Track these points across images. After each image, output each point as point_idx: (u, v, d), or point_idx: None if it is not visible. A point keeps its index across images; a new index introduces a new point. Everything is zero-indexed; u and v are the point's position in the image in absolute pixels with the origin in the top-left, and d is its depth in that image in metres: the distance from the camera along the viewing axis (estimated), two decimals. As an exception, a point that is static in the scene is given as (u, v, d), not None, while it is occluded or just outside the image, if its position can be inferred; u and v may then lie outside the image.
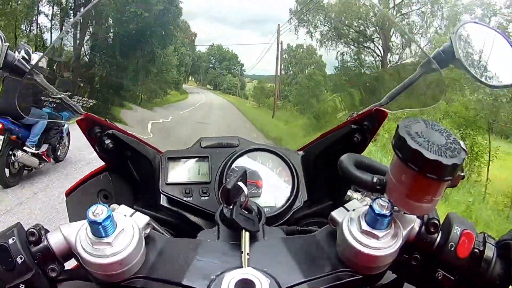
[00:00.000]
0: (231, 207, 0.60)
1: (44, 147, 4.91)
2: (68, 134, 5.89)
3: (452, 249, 0.55)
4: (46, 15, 14.45)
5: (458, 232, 0.56)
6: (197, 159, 1.01)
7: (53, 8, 14.30)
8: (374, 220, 0.51)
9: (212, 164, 1.00)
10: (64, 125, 5.28)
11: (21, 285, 0.53)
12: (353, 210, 0.55)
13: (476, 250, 0.56)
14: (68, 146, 6.01)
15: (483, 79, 0.88)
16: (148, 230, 0.57)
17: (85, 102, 0.95)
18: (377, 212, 0.51)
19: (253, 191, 0.97)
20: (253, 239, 0.59)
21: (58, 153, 5.55)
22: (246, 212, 0.62)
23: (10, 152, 3.91)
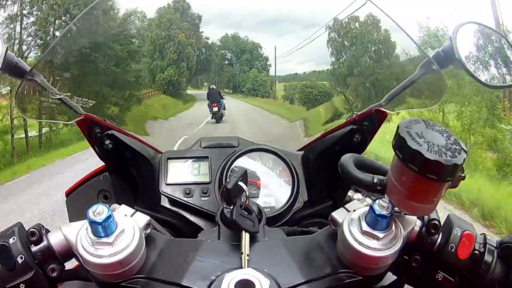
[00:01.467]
0: (232, 207, 0.59)
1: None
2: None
3: (453, 250, 0.55)
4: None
5: (458, 234, 0.56)
6: (197, 159, 1.01)
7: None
8: (374, 220, 0.51)
9: (212, 164, 1.00)
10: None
11: (22, 284, 0.53)
12: (354, 210, 0.55)
13: (477, 252, 0.56)
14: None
15: (483, 80, 0.88)
16: (148, 230, 0.57)
17: (84, 102, 0.94)
18: (377, 212, 0.51)
19: (253, 192, 0.97)
20: (253, 239, 0.59)
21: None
22: (246, 213, 0.62)
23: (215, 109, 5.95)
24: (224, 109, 1.87)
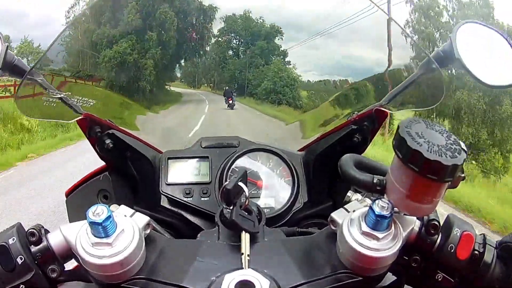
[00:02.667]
0: (231, 208, 0.60)
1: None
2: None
3: (452, 250, 0.55)
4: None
5: (458, 234, 0.56)
6: (197, 159, 1.01)
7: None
8: (374, 221, 0.52)
9: (212, 164, 1.00)
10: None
11: (21, 285, 0.53)
12: (353, 211, 0.55)
13: (476, 252, 0.56)
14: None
15: (483, 79, 0.88)
16: (148, 231, 0.57)
17: (85, 102, 0.94)
18: (377, 213, 0.51)
19: (253, 192, 0.97)
20: (253, 240, 0.59)
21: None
22: (246, 213, 0.62)
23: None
24: (234, 100, 2.22)
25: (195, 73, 2.36)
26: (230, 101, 2.14)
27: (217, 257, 0.56)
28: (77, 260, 0.55)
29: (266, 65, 2.15)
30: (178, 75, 2.29)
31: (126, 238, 0.52)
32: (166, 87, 2.05)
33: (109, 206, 0.52)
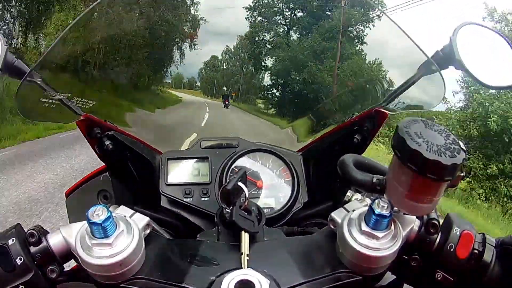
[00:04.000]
0: (231, 208, 0.60)
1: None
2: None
3: (452, 249, 0.55)
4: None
5: (457, 233, 0.56)
6: (197, 159, 1.01)
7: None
8: (373, 220, 0.52)
9: (212, 164, 1.00)
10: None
11: (21, 286, 0.53)
12: (353, 210, 0.55)
13: (476, 251, 0.56)
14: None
15: (483, 80, 0.88)
16: (148, 231, 0.57)
17: (84, 103, 0.94)
18: (376, 212, 0.51)
19: (253, 192, 0.97)
20: (253, 240, 0.59)
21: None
22: (246, 213, 0.62)
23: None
24: (229, 102, 2.39)
25: (214, 78, 1.85)
26: (226, 102, 2.33)
27: (216, 257, 0.56)
28: (77, 261, 0.55)
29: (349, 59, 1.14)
30: (198, 83, 1.88)
31: (126, 238, 0.52)
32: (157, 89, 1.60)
33: (108, 207, 0.52)
